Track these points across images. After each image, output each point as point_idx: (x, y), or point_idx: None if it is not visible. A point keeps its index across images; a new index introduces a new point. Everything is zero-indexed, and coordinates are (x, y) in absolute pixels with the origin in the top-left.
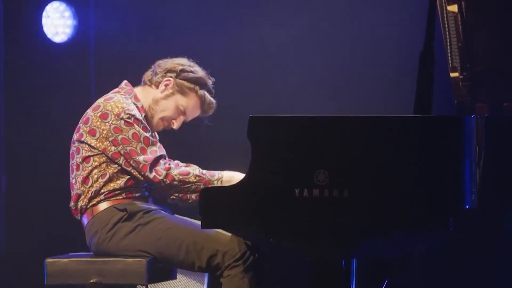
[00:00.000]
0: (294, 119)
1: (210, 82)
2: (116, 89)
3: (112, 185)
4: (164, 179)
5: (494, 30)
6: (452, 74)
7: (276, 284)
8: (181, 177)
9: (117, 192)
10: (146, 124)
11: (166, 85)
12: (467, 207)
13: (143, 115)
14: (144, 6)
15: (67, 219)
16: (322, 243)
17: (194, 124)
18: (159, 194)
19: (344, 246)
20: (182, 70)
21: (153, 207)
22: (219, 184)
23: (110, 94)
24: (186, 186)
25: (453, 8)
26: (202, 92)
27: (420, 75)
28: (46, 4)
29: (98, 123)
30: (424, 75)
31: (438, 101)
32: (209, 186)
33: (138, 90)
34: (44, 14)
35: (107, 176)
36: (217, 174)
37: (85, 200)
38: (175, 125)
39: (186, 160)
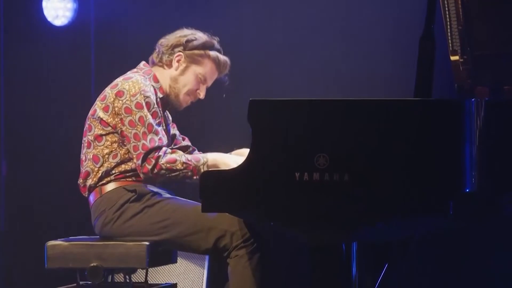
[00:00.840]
0: (294, 103)
1: (215, 41)
2: (135, 69)
3: (123, 167)
4: (153, 168)
5: (494, 13)
6: (453, 57)
7: (280, 268)
8: (168, 165)
9: (127, 174)
10: (159, 110)
11: (178, 61)
12: (467, 190)
13: (162, 96)
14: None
15: (67, 203)
16: (322, 226)
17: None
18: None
19: (344, 230)
20: (188, 41)
21: (162, 191)
22: (205, 168)
23: (129, 74)
24: (173, 174)
25: None
26: (213, 53)
27: (420, 59)
28: None
29: (112, 99)
30: (425, 58)
31: (438, 84)
32: (208, 170)
33: (156, 70)
34: None
35: (118, 157)
36: (202, 158)
37: (94, 179)
38: (201, 95)
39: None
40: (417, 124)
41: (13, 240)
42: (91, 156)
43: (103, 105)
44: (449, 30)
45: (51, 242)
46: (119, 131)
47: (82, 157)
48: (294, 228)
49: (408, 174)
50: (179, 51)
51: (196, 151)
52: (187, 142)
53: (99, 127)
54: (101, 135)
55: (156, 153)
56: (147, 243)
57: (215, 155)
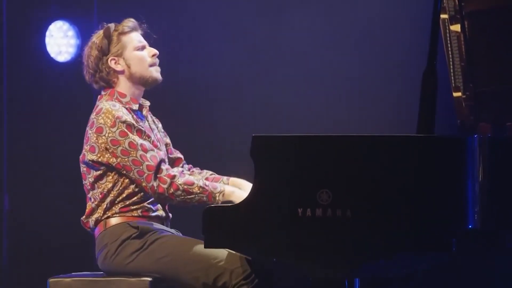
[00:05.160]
0: (297, 139)
1: (104, 24)
2: (100, 95)
3: (126, 192)
4: (169, 188)
5: (497, 50)
6: (455, 94)
7: None
8: (185, 186)
9: (132, 207)
10: (140, 126)
11: (115, 62)
12: (469, 227)
13: (137, 106)
14: (147, 25)
15: (70, 239)
16: (324, 262)
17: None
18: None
19: (347, 266)
20: (99, 49)
21: (168, 229)
22: (221, 197)
23: (98, 104)
24: (189, 197)
25: (456, 27)
26: (120, 28)
27: (423, 94)
28: (50, 23)
29: (95, 139)
30: (427, 94)
31: (441, 120)
32: (212, 205)
33: (117, 87)
34: (47, 33)
35: (120, 184)
36: (219, 186)
37: (100, 212)
38: (154, 51)
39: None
40: (419, 160)
41: (15, 276)
42: (98, 195)
43: (89, 147)
44: (451, 67)
45: (54, 279)
46: (114, 164)
47: (91, 199)
48: (297, 264)
49: (410, 211)
50: (107, 59)
51: (186, 164)
52: (180, 155)
53: (94, 168)
54: (101, 175)
55: (167, 170)
56: (149, 279)
57: (234, 189)
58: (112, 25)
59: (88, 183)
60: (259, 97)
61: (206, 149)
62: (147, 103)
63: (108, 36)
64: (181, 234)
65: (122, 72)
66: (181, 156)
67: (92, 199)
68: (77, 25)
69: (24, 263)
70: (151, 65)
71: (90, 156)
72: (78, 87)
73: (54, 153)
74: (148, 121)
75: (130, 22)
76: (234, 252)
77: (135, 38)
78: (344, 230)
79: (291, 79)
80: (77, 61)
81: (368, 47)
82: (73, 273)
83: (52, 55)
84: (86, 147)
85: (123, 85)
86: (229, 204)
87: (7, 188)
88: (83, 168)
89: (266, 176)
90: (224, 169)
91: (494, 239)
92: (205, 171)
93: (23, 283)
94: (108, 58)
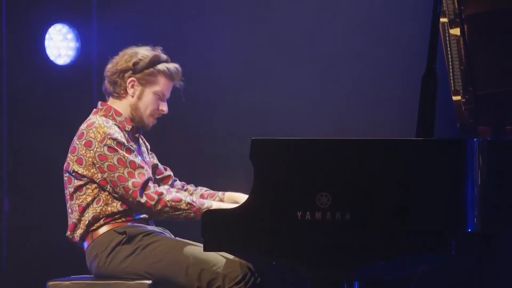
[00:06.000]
0: (297, 142)
1: (159, 51)
2: (95, 109)
3: (109, 209)
4: (156, 204)
5: (496, 53)
6: (455, 97)
7: None
8: (173, 203)
9: (116, 216)
10: (130, 145)
11: (132, 86)
12: (469, 230)
13: (130, 127)
14: (147, 28)
15: (69, 241)
16: (324, 265)
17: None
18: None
19: (346, 268)
20: (135, 64)
21: (155, 229)
22: None
23: (91, 117)
24: (176, 213)
25: (456, 31)
26: (162, 67)
27: (422, 98)
28: (49, 26)
29: (83, 151)
30: (427, 98)
31: (440, 123)
32: (210, 209)
33: (115, 104)
34: (47, 36)
35: (102, 201)
36: (206, 202)
37: (83, 227)
38: (164, 109)
39: (188, 178)
40: (419, 163)
41: (14, 279)
42: (76, 208)
43: (75, 157)
44: (451, 70)
45: (53, 282)
46: (98, 181)
47: (68, 209)
48: (296, 267)
49: (409, 213)
50: (130, 76)
51: (178, 181)
52: (169, 172)
53: (76, 179)
54: (81, 186)
55: (154, 187)
56: (149, 282)
57: (220, 204)
58: (162, 57)
59: (68, 193)
60: (258, 100)
61: (205, 153)
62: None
63: (150, 63)
64: (168, 232)
65: (131, 96)
66: (170, 173)
67: (70, 211)
68: (76, 28)
69: (23, 265)
70: (152, 115)
71: (75, 167)
72: (77, 90)
73: (54, 156)
74: (139, 143)
75: (174, 69)
76: (230, 256)
77: (164, 85)
78: (343, 233)
79: (290, 83)
80: (76, 64)
81: (368, 50)
82: (72, 276)
83: (52, 58)
84: (72, 156)
85: (124, 105)
86: (229, 208)
87: (6, 190)
88: (65, 177)
89: (265, 179)
90: (223, 173)
91: (494, 240)
92: (199, 188)
93: (22, 286)
94: (130, 77)
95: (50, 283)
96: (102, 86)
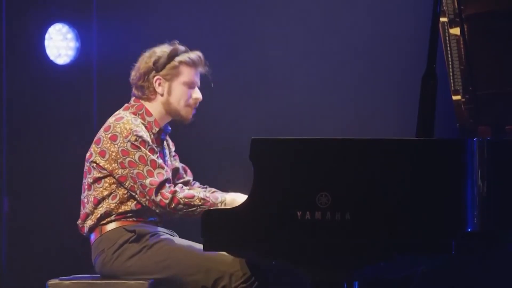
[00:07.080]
0: (296, 142)
1: (177, 44)
2: (127, 105)
3: (123, 208)
4: (170, 203)
5: (496, 53)
6: (455, 97)
7: None
8: (186, 200)
9: (128, 214)
10: (155, 147)
11: (159, 84)
12: (469, 230)
13: (157, 129)
14: (147, 28)
15: (69, 241)
16: (324, 265)
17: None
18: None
19: (346, 268)
20: (155, 62)
21: (164, 231)
22: (223, 207)
23: (120, 112)
24: (191, 209)
25: (456, 31)
26: (183, 58)
27: (422, 98)
28: (49, 26)
29: (108, 145)
30: (427, 97)
31: (440, 123)
32: (210, 209)
33: (146, 104)
34: (46, 36)
35: (117, 198)
36: (220, 197)
37: (94, 219)
38: (198, 96)
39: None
40: (419, 163)
41: (14, 279)
42: (92, 199)
43: (99, 149)
44: (451, 70)
45: (53, 281)
46: (117, 177)
47: (84, 199)
48: (296, 267)
49: (409, 213)
50: (154, 76)
51: (197, 184)
52: (189, 177)
53: (97, 170)
54: (100, 178)
55: (170, 187)
56: (149, 281)
57: (235, 196)
58: (180, 48)
59: (86, 183)
60: (258, 100)
61: (205, 152)
62: (168, 129)
63: (170, 57)
64: (176, 235)
65: (161, 94)
66: (190, 178)
67: (86, 201)
68: (76, 28)
69: (23, 265)
70: (188, 105)
71: (97, 159)
72: (77, 90)
73: (54, 156)
74: (163, 146)
75: (196, 56)
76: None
77: (189, 74)
78: (343, 233)
79: (290, 83)
80: (76, 63)
81: (368, 50)
82: (72, 276)
83: (52, 58)
84: (95, 147)
85: (155, 105)
86: (228, 207)
87: (6, 190)
88: (86, 167)
89: (265, 179)
90: (223, 172)
91: (494, 240)
92: (207, 187)
93: (22, 286)
94: (155, 76)
95: (50, 283)
96: (131, 93)
